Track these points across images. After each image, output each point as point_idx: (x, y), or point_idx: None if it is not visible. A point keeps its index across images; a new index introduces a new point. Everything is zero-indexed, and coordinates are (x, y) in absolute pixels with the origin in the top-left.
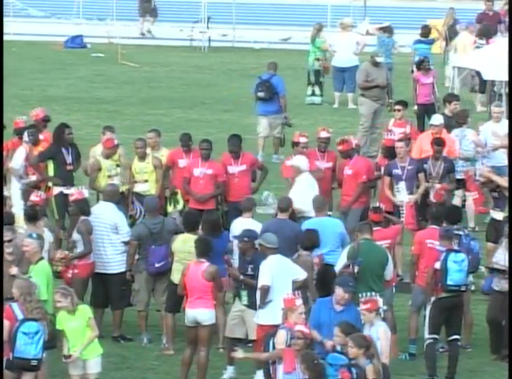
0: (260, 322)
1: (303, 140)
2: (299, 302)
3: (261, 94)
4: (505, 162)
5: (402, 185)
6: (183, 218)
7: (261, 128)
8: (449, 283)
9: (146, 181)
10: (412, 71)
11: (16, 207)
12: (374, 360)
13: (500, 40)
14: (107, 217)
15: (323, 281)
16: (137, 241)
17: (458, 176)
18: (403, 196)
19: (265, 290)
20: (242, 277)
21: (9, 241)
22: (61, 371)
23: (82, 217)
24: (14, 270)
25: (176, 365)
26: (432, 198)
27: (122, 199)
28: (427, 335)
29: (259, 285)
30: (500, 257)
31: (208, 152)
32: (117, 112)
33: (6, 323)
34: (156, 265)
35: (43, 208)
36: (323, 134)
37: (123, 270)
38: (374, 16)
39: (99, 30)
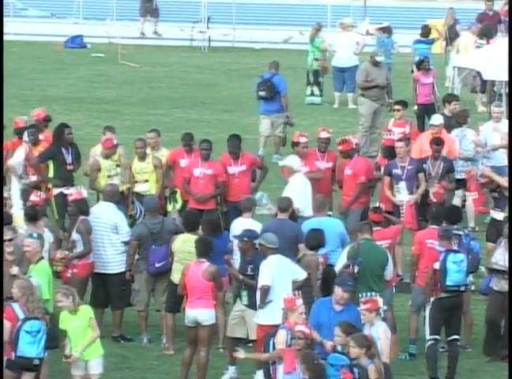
0: (260, 322)
1: (302, 140)
2: (299, 302)
3: (262, 93)
4: (505, 162)
5: (402, 185)
6: (183, 218)
7: (262, 127)
8: (448, 283)
9: (146, 181)
10: (412, 71)
11: (16, 207)
12: (375, 360)
13: (500, 40)
14: (107, 217)
15: (324, 281)
16: (137, 241)
17: (458, 176)
18: (403, 196)
19: (265, 290)
20: (241, 277)
21: (10, 240)
22: (60, 371)
23: (81, 217)
24: (15, 270)
25: (176, 365)
26: (432, 197)
27: (122, 199)
28: (428, 337)
29: (259, 285)
30: (499, 258)
31: (208, 152)
32: (117, 112)
33: (8, 323)
34: (157, 265)
35: (44, 207)
36: (323, 134)
37: (123, 270)
38: (374, 17)
39: (99, 30)
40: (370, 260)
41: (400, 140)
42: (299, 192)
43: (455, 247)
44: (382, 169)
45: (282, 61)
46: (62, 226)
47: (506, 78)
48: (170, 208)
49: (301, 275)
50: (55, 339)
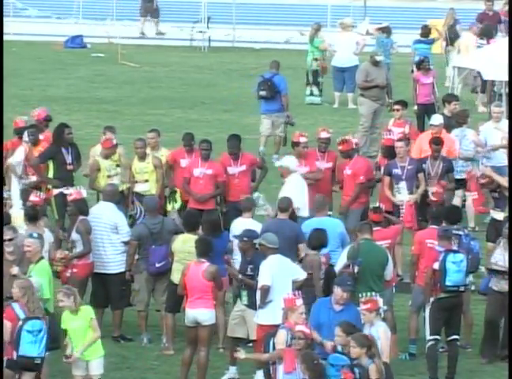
0: (260, 322)
1: (302, 140)
2: (299, 302)
3: (262, 92)
4: (505, 162)
5: (402, 185)
6: (183, 218)
7: (263, 127)
8: (447, 283)
9: (146, 181)
10: (412, 71)
11: (16, 207)
12: (376, 359)
13: (500, 40)
14: (106, 217)
15: (325, 281)
16: (137, 241)
17: (458, 176)
18: (403, 196)
19: (265, 290)
20: (241, 277)
21: (10, 240)
22: (61, 371)
23: (81, 217)
24: (15, 270)
25: (176, 365)
26: (431, 197)
27: (122, 199)
28: (428, 337)
29: (259, 285)
30: (499, 258)
31: (208, 152)
32: (117, 112)
33: (8, 324)
34: (157, 265)
35: (44, 207)
36: (323, 135)
37: (123, 270)
38: (374, 17)
39: (99, 30)
40: (370, 260)
41: (400, 140)
42: (295, 192)
43: (455, 247)
44: (382, 169)
45: (282, 61)
46: (62, 226)
47: (506, 78)
48: (169, 207)
49: (301, 275)
50: (56, 339)
